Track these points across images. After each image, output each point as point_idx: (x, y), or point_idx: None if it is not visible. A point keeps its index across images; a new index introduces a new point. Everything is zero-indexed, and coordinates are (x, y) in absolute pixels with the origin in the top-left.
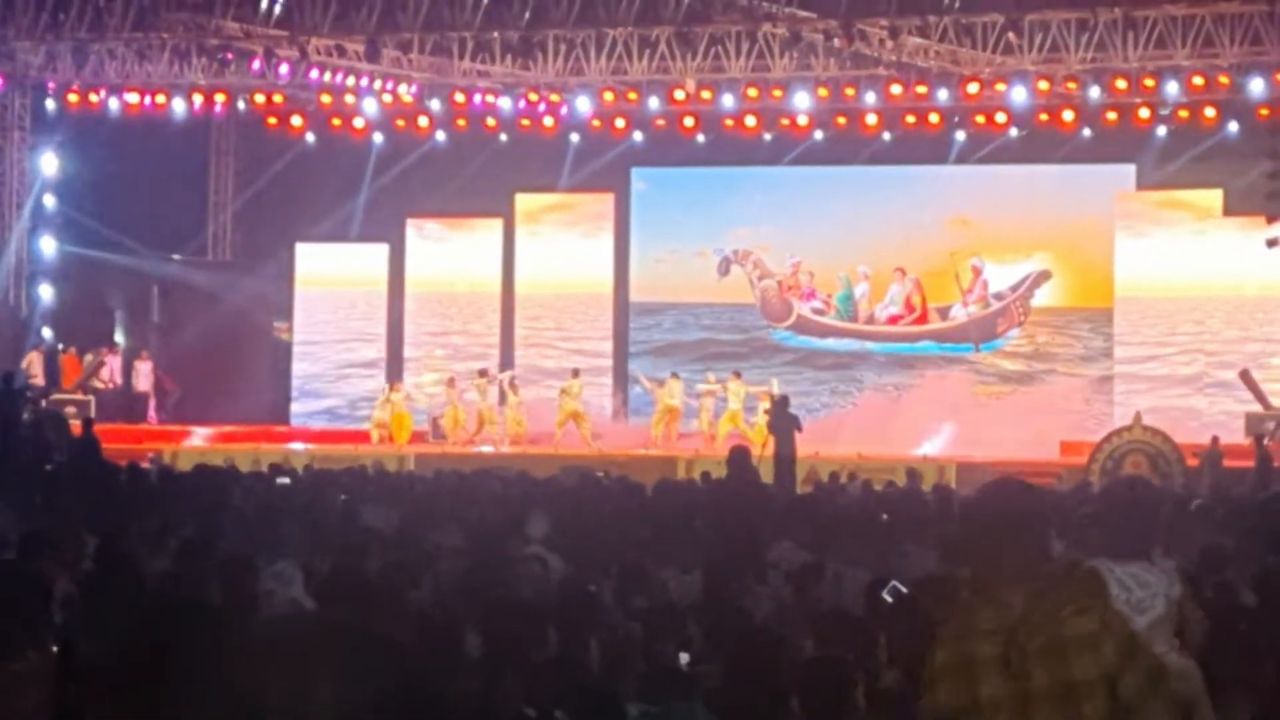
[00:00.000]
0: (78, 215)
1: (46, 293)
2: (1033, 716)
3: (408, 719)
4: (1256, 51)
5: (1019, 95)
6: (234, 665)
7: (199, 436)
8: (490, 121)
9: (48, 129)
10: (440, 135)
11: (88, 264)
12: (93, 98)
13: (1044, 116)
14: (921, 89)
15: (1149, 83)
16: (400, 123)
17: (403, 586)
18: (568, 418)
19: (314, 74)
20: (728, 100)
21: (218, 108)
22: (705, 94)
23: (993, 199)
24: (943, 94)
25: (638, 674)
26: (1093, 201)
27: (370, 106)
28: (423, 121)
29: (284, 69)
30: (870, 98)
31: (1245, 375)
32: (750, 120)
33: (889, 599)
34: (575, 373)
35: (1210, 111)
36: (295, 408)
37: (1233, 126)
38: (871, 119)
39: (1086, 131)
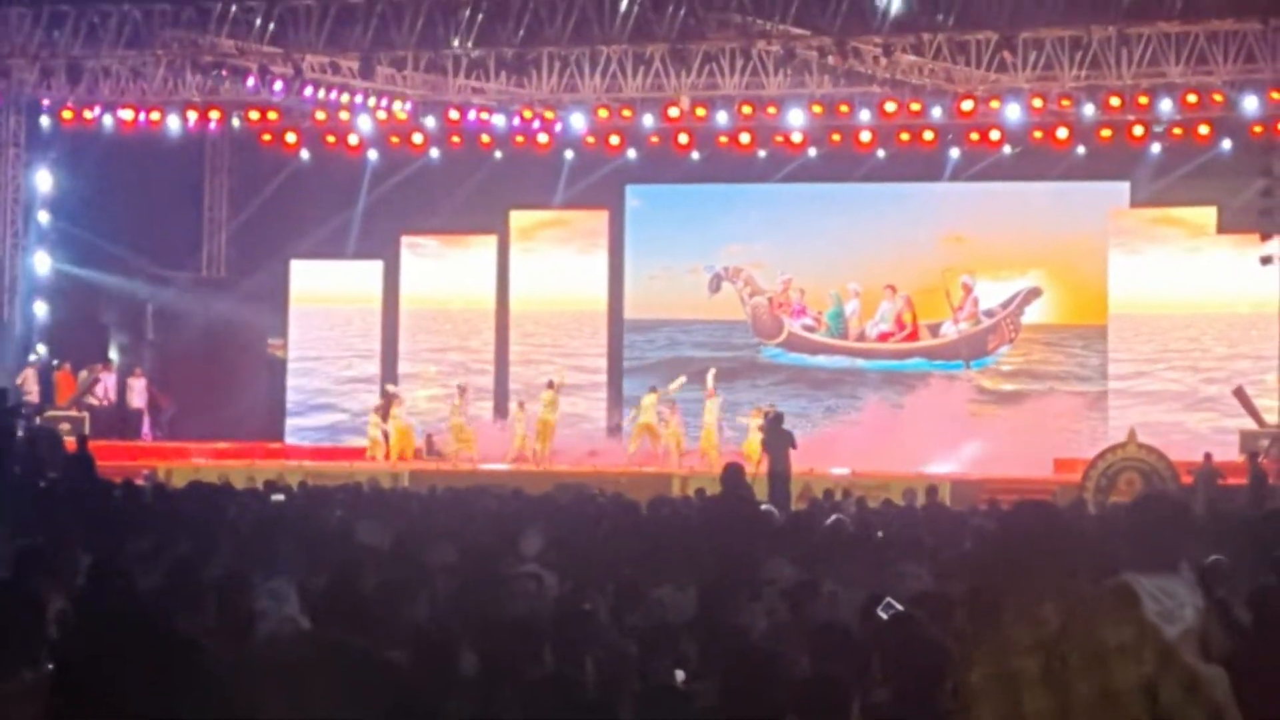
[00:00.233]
0: (72, 232)
1: (41, 309)
2: None
3: None
4: (1250, 69)
5: (1013, 112)
6: (231, 686)
7: (196, 455)
8: (485, 138)
9: (42, 146)
10: (435, 152)
11: (82, 281)
12: (87, 114)
13: (1038, 134)
14: (916, 106)
15: (1143, 100)
16: (395, 139)
17: (398, 604)
18: (543, 429)
19: (308, 91)
20: (722, 117)
21: (212, 125)
22: (699, 111)
23: (987, 216)
24: (937, 111)
25: (633, 692)
26: (1087, 219)
27: (365, 123)
28: (417, 138)
29: (279, 86)
30: (864, 115)
31: (1240, 392)
32: (744, 137)
33: (884, 616)
34: (550, 384)
35: (1204, 129)
36: (290, 424)
37: (1226, 144)
38: (866, 136)
39: (1080, 149)
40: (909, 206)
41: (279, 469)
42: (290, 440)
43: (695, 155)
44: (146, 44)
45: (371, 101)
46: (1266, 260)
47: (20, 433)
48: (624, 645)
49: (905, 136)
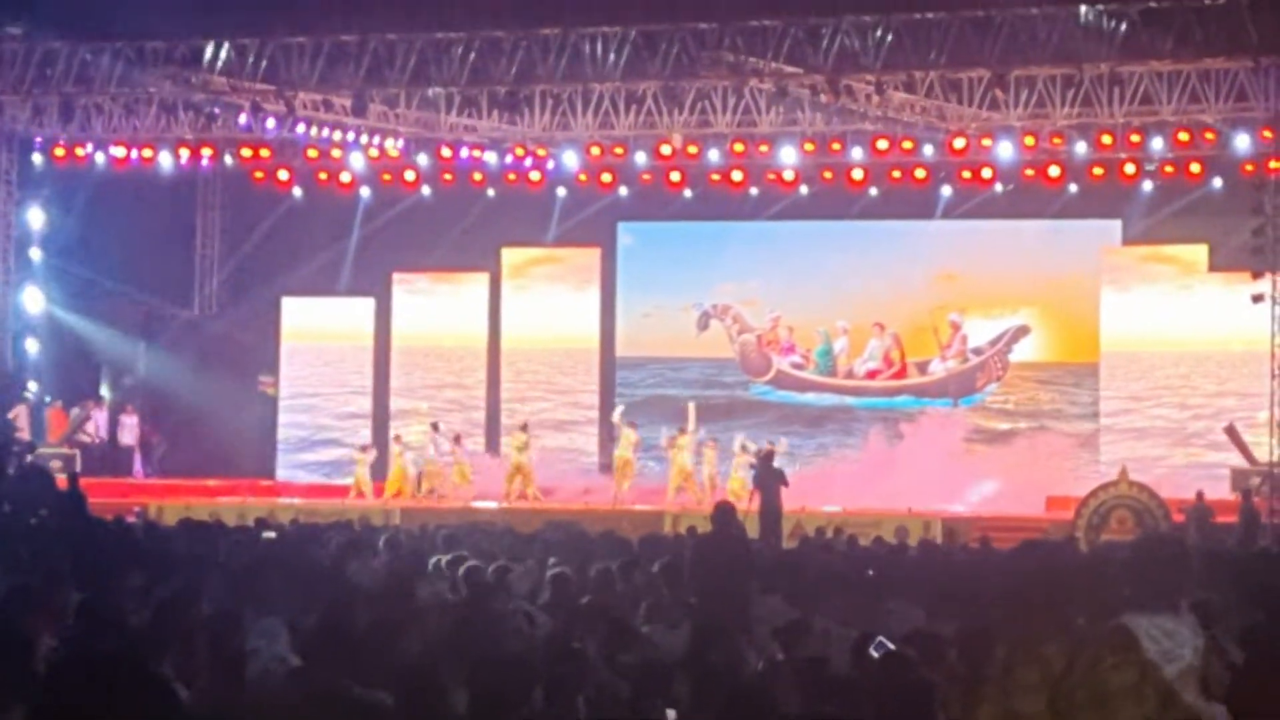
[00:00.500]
0: (64, 269)
1: (33, 346)
2: None
3: None
4: (1242, 108)
5: (1005, 150)
6: None
7: (187, 493)
8: (477, 176)
9: (34, 183)
10: (427, 189)
11: (74, 318)
12: (79, 152)
13: (1030, 172)
14: (908, 144)
15: (1135, 138)
16: (387, 177)
17: (389, 643)
18: (515, 472)
19: (301, 128)
20: (714, 155)
21: (204, 162)
22: (692, 148)
23: (979, 254)
24: (929, 149)
25: None
26: (1078, 256)
27: (357, 161)
28: (409, 176)
29: (271, 123)
30: (856, 152)
31: (1231, 430)
32: (737, 175)
33: (875, 655)
34: (524, 426)
35: (1196, 167)
36: (281, 461)
37: (1218, 182)
38: (858, 174)
39: (1072, 187)
40: (901, 244)
41: (270, 506)
42: (282, 477)
43: (687, 193)
44: (138, 81)
45: (364, 139)
46: (1258, 298)
47: (11, 470)
48: (615, 684)
49: (897, 174)
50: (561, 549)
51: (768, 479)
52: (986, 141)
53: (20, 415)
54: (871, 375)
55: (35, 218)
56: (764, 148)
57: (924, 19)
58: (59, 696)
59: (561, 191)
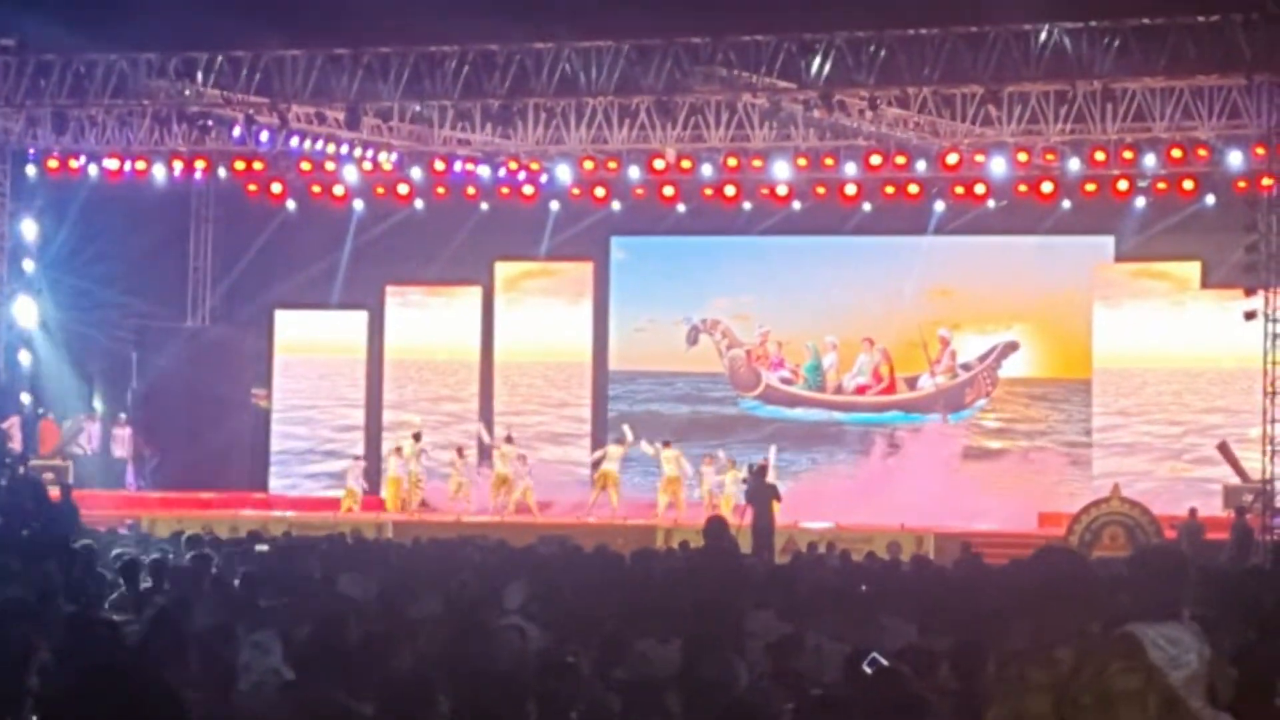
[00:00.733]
0: (58, 281)
1: (26, 358)
2: None
3: None
4: (1235, 125)
5: (998, 166)
6: None
7: (180, 505)
8: (470, 189)
9: (28, 195)
10: (420, 203)
11: (66, 330)
12: (73, 164)
13: (1023, 188)
14: (901, 159)
15: (1128, 154)
16: (380, 190)
17: (382, 656)
18: (500, 483)
19: (294, 141)
20: (707, 169)
21: (198, 174)
22: (685, 163)
23: (971, 269)
24: (922, 164)
25: None
26: (1071, 272)
27: (350, 174)
28: (403, 189)
29: (264, 136)
30: (850, 168)
31: (1224, 447)
32: (730, 189)
33: (869, 670)
34: (508, 439)
35: (1189, 184)
36: (274, 474)
37: (1210, 199)
38: (851, 189)
39: (1065, 203)
40: (894, 259)
41: (263, 519)
42: (274, 490)
43: (680, 207)
44: (132, 94)
45: (357, 152)
46: (1250, 315)
47: (3, 481)
48: (607, 699)
49: (890, 189)
50: (554, 563)
51: (760, 494)
52: (980, 157)
53: (13, 427)
54: (861, 390)
55: (29, 229)
56: (757, 162)
57: (917, 34)
58: (55, 709)
59: (555, 205)
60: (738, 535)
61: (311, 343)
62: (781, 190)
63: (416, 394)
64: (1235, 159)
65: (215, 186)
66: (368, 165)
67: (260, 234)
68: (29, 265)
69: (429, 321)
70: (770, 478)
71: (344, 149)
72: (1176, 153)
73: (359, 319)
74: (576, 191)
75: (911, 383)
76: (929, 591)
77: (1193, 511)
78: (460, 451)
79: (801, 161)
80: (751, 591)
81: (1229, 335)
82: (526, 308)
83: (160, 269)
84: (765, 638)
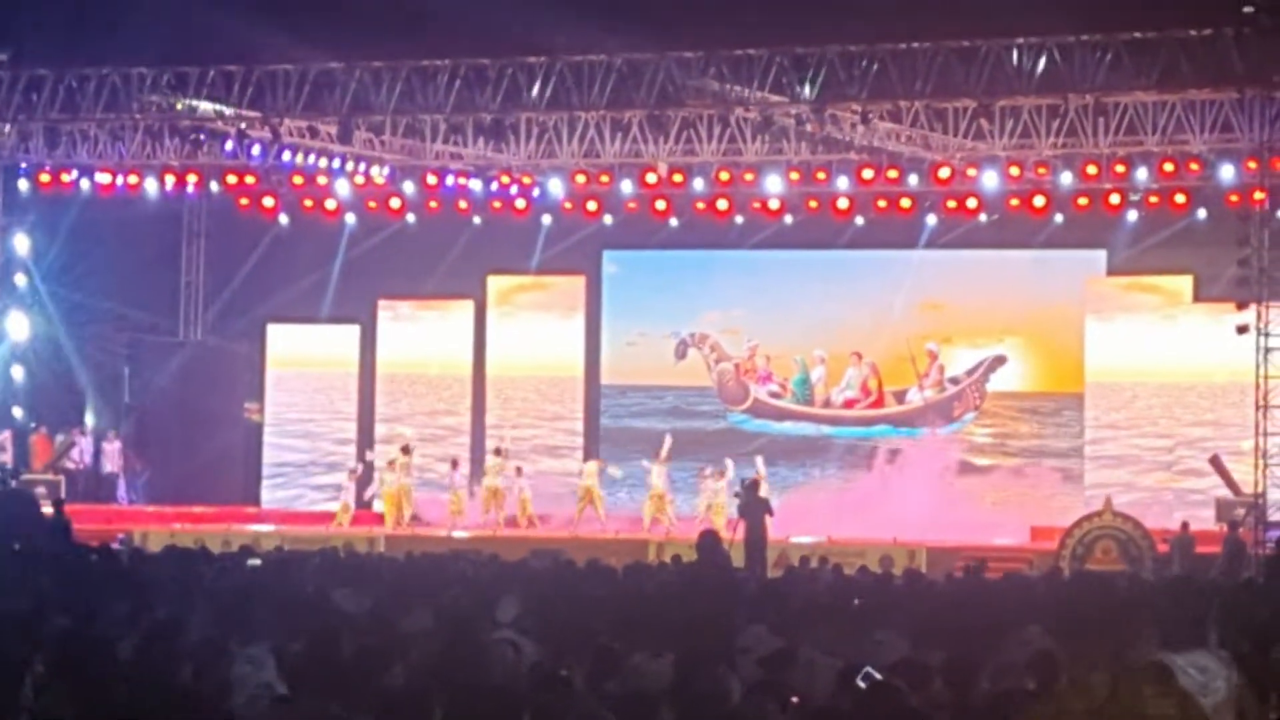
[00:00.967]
0: (50, 295)
1: (18, 372)
2: None
3: None
4: (1226, 138)
5: (990, 180)
6: None
7: (172, 520)
8: (462, 203)
9: (20, 209)
10: (412, 217)
11: (59, 344)
12: (65, 178)
13: (1015, 202)
14: (893, 173)
15: (1120, 169)
16: (372, 204)
17: (375, 671)
18: (490, 497)
19: (286, 155)
20: (699, 183)
21: (190, 188)
22: (677, 177)
23: (963, 283)
24: (914, 178)
25: None
26: (1063, 286)
27: (342, 188)
28: (395, 203)
29: (256, 150)
30: (842, 182)
31: (1216, 461)
32: (722, 203)
33: (862, 685)
34: (497, 451)
35: (1181, 198)
36: (265, 488)
37: (1202, 213)
38: (843, 203)
39: (1057, 217)
40: (886, 274)
41: (255, 533)
42: (266, 504)
43: (673, 221)
44: (124, 108)
45: (349, 166)
46: (1242, 329)
47: None
48: (601, 713)
49: (882, 203)
50: (547, 577)
51: (753, 508)
52: (972, 171)
53: (5, 441)
54: (849, 404)
55: (21, 244)
56: (749, 176)
57: (909, 49)
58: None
59: (547, 219)
60: (730, 549)
61: (304, 357)
62: (773, 204)
63: (412, 408)
64: (1227, 173)
65: (207, 200)
66: (360, 179)
67: (252, 248)
68: (21, 280)
69: (421, 335)
70: (761, 491)
71: (336, 163)
72: (1168, 166)
73: (351, 333)
74: (569, 205)
75: (900, 396)
76: (922, 605)
77: (1184, 525)
78: (455, 464)
79: (794, 175)
80: (744, 606)
81: (1221, 349)
82: (519, 321)
83: (152, 283)
84: (758, 652)
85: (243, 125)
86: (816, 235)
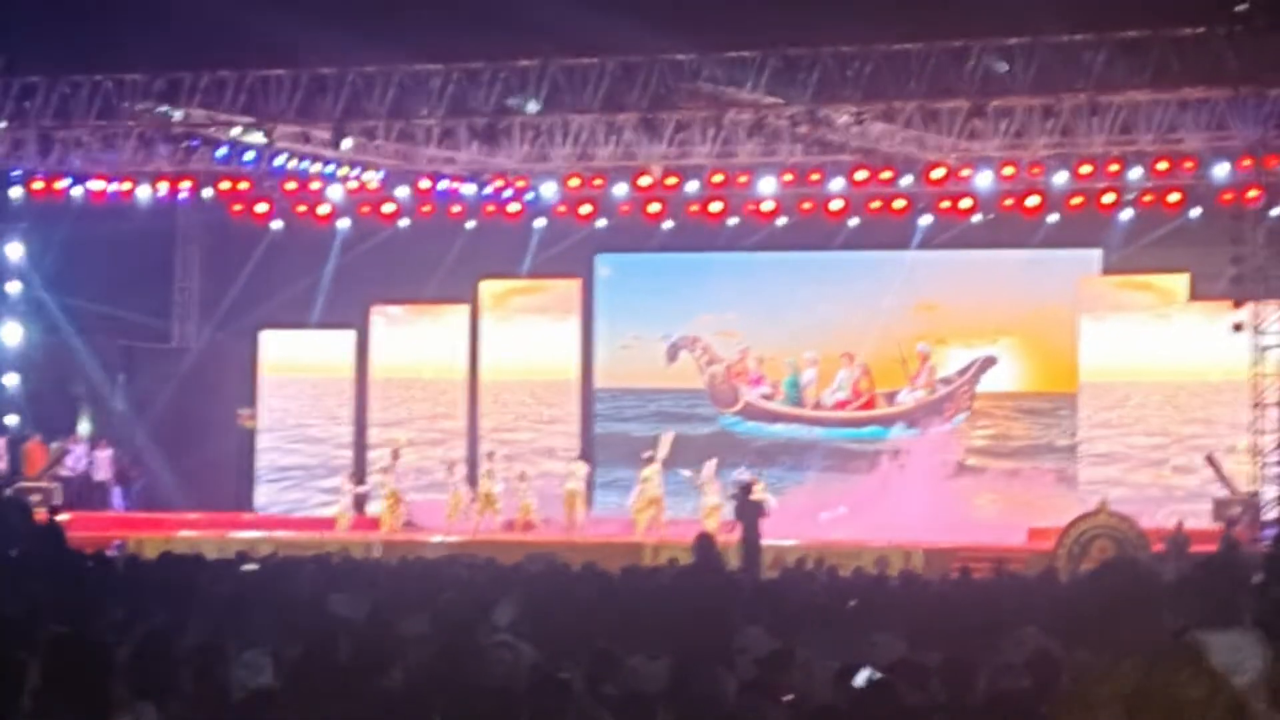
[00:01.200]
0: (43, 303)
1: (11, 380)
2: None
3: None
4: (1220, 137)
5: (984, 180)
6: None
7: (166, 526)
8: (456, 208)
9: (13, 216)
10: (405, 221)
11: (52, 351)
12: (58, 185)
13: (1009, 202)
14: (886, 174)
15: (1114, 168)
16: (366, 209)
17: (374, 675)
18: (485, 503)
19: (279, 161)
20: (693, 186)
21: (183, 194)
22: (671, 179)
23: (958, 284)
24: (907, 179)
25: None
26: (1058, 286)
27: (335, 193)
28: (388, 208)
29: (250, 156)
30: (835, 183)
31: (1211, 460)
32: (716, 206)
33: (861, 686)
34: (489, 455)
35: (1175, 196)
36: (260, 494)
37: (1197, 211)
38: (837, 204)
39: (1052, 216)
40: (880, 275)
41: (250, 539)
42: (260, 510)
43: (667, 224)
44: (117, 114)
45: (342, 171)
46: (1238, 327)
47: None
48: (600, 715)
49: (876, 205)
50: (543, 581)
51: (747, 510)
52: (965, 171)
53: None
54: (840, 406)
55: (14, 251)
56: (743, 178)
57: (902, 50)
58: None
59: (540, 223)
60: (724, 552)
61: (297, 363)
62: (767, 206)
63: (406, 413)
64: (1221, 171)
65: (200, 207)
66: (353, 184)
67: (246, 254)
68: (15, 287)
69: (415, 340)
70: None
71: (329, 168)
72: (1162, 165)
73: (345, 338)
74: (562, 209)
75: (891, 398)
76: (918, 606)
77: (1180, 524)
78: (451, 467)
79: (787, 177)
80: (740, 607)
81: (1216, 348)
82: (513, 325)
83: (146, 290)
84: (755, 653)
85: (235, 131)
86: (810, 237)
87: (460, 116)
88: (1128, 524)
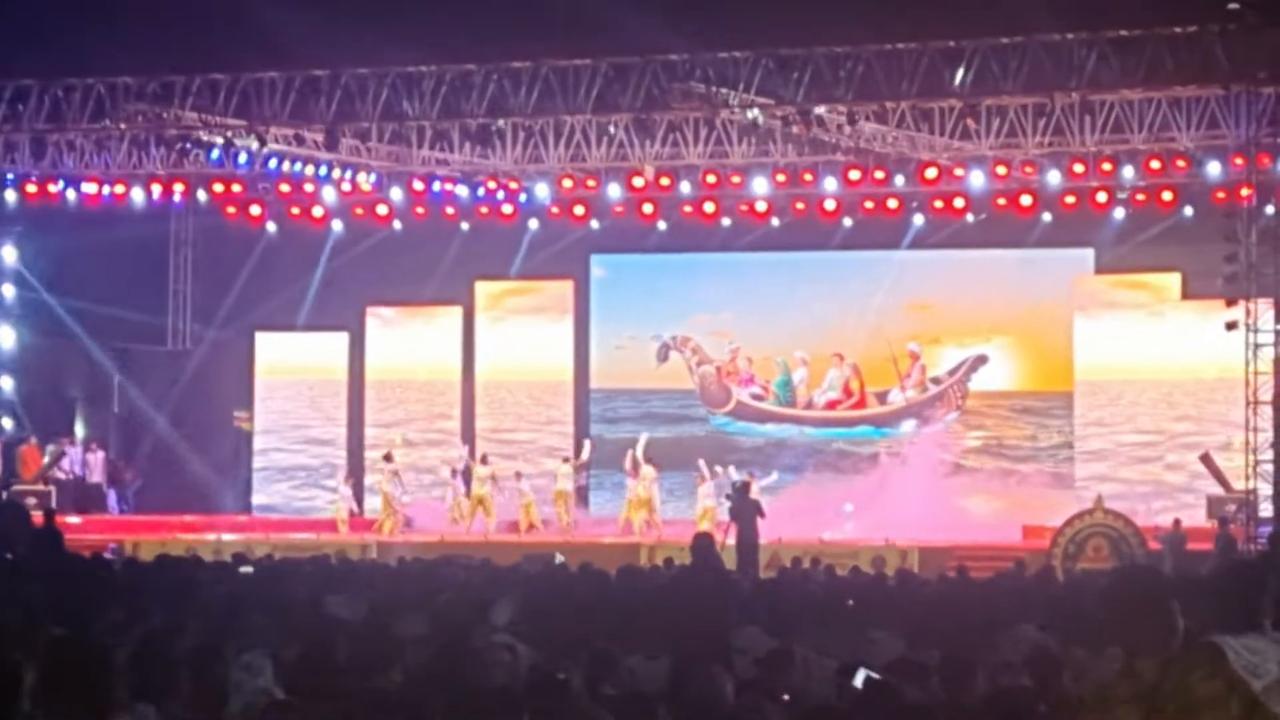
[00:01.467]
0: (38, 305)
1: (7, 383)
2: None
3: None
4: (1213, 135)
5: (977, 180)
6: None
7: (163, 529)
8: (449, 209)
9: (7, 220)
10: (399, 223)
11: (47, 354)
12: (51, 188)
13: (1002, 201)
14: (879, 174)
15: (1106, 166)
16: (359, 211)
17: (373, 676)
18: (476, 504)
19: (273, 163)
20: (686, 186)
21: (177, 197)
22: (664, 180)
23: (951, 284)
24: (900, 179)
25: None
26: (1051, 285)
27: (329, 195)
28: (382, 210)
29: (243, 158)
30: (829, 183)
31: (1206, 458)
32: (709, 206)
33: (860, 686)
34: (483, 458)
35: (1168, 195)
36: (256, 497)
37: (1190, 210)
38: (830, 204)
39: (1045, 216)
40: (874, 275)
41: (246, 541)
42: (257, 512)
43: (660, 225)
44: (110, 117)
45: (336, 173)
46: (1231, 325)
47: None
48: (600, 715)
49: (869, 205)
50: (540, 581)
51: (744, 510)
52: (959, 171)
53: None
54: (831, 405)
55: (8, 254)
56: (736, 179)
57: (895, 49)
58: None
59: (534, 224)
60: (721, 552)
61: (292, 365)
62: (760, 206)
63: (403, 414)
64: (1214, 169)
65: (194, 209)
66: (346, 186)
67: (240, 256)
68: (9, 290)
69: (410, 342)
70: (752, 493)
71: (323, 170)
72: (1155, 164)
73: (339, 340)
74: (555, 210)
75: (882, 397)
76: (915, 605)
77: (1176, 522)
78: (454, 471)
79: (780, 177)
80: (738, 607)
81: (1210, 346)
82: (507, 327)
83: (140, 292)
84: (753, 653)
85: (229, 133)
86: (804, 237)
87: (453, 118)
88: (1123, 522)
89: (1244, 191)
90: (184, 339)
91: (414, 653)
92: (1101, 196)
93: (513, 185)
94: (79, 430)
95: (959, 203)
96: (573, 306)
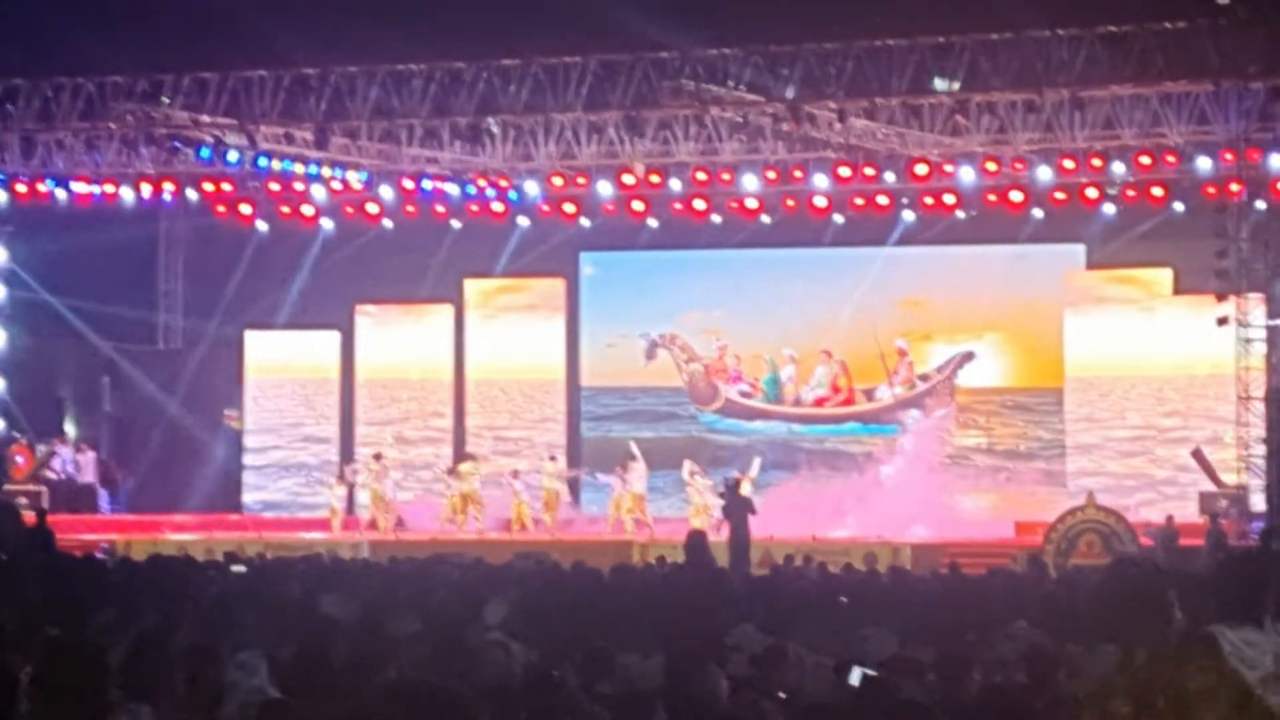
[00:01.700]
0: (28, 305)
1: None
2: None
3: None
4: (1203, 131)
5: (967, 176)
6: None
7: (154, 528)
8: (439, 207)
9: None
10: (389, 222)
11: (38, 354)
12: (41, 188)
13: (992, 197)
14: (870, 171)
15: (1096, 162)
16: (349, 209)
17: (368, 675)
18: (464, 501)
19: (263, 161)
20: (676, 184)
21: (167, 196)
22: (654, 178)
23: (942, 280)
24: (891, 176)
25: None
26: (1042, 281)
27: (319, 193)
28: (372, 208)
29: (233, 157)
30: (819, 180)
31: (1198, 454)
32: (699, 203)
33: (855, 683)
34: (471, 456)
35: (1158, 190)
36: (247, 495)
37: (1180, 205)
38: (820, 201)
39: (1035, 211)
40: (864, 271)
41: (238, 540)
42: (248, 511)
43: (651, 222)
44: (100, 116)
45: (326, 171)
46: (1222, 321)
47: None
48: (596, 713)
49: (860, 201)
50: (533, 580)
51: (736, 508)
52: (949, 167)
53: None
54: (819, 403)
55: None
56: (726, 176)
57: (885, 46)
58: None
59: (524, 222)
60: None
61: (283, 363)
62: (751, 204)
63: (396, 412)
64: (1204, 165)
65: (184, 208)
66: (336, 185)
67: (230, 255)
68: None
69: (401, 340)
70: (744, 491)
71: (313, 169)
72: (1145, 159)
73: (330, 339)
74: (546, 208)
75: (869, 394)
76: (909, 602)
77: (1169, 518)
78: (449, 470)
79: (770, 174)
80: (732, 605)
81: (1201, 341)
82: (498, 325)
83: (131, 292)
84: (748, 650)
85: (219, 132)
86: (795, 234)
87: (443, 116)
88: (1115, 518)
89: (1234, 187)
90: (174, 338)
91: (408, 652)
92: (1092, 192)
93: (503, 183)
94: (70, 430)
95: (949, 199)
96: (564, 304)
